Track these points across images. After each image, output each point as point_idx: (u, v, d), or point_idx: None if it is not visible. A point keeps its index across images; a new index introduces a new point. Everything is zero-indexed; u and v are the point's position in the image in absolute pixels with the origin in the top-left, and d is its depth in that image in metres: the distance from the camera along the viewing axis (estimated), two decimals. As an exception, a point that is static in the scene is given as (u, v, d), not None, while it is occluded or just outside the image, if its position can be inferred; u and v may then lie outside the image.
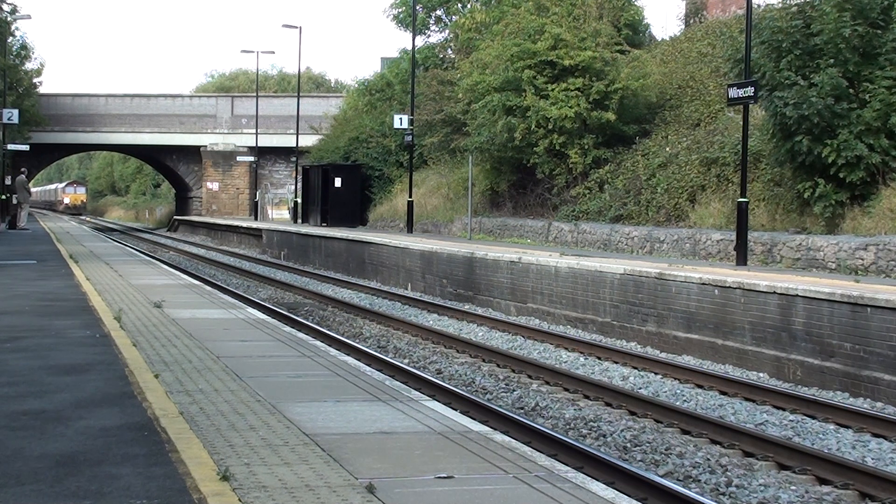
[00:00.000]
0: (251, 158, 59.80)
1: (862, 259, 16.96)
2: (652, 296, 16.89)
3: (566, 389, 13.04)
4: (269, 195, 61.55)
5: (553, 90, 27.58)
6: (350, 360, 10.14)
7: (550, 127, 27.34)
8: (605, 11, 31.36)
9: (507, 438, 6.95)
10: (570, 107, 27.14)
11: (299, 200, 47.72)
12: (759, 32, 19.67)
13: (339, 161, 43.29)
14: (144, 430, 6.71)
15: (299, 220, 46.45)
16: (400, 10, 44.75)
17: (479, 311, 21.24)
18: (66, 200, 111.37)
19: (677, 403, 12.11)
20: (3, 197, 44.92)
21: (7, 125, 43.39)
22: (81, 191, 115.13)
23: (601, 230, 24.95)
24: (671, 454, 9.86)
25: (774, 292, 14.30)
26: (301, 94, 53.77)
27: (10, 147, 45.73)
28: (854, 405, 12.03)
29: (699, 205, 23.02)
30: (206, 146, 63.58)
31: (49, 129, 60.45)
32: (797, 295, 13.90)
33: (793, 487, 8.90)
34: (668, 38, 35.19)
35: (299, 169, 48.63)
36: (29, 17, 50.82)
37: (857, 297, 12.91)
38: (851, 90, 18.68)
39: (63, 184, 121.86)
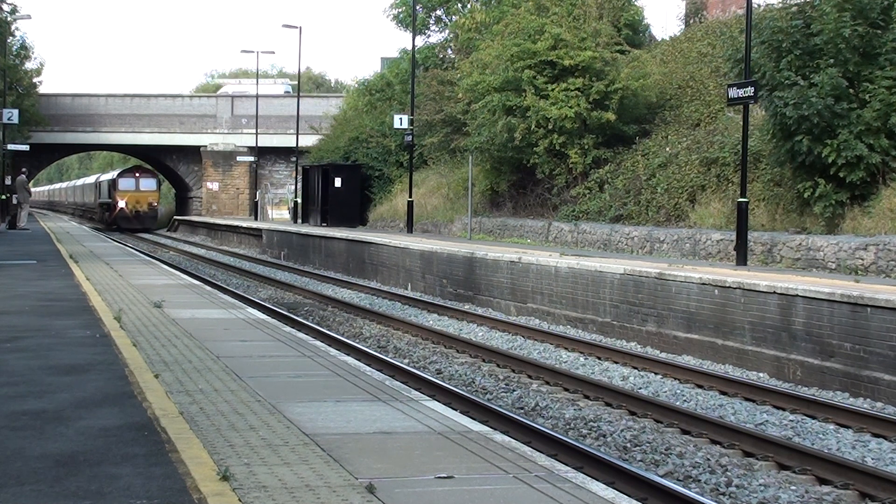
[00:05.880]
0: (251, 158, 59.81)
1: (862, 259, 16.96)
2: (652, 296, 16.89)
3: (566, 389, 13.04)
4: (269, 195, 61.56)
5: (553, 90, 27.58)
6: (350, 360, 10.14)
7: (550, 127, 27.34)
8: (605, 11, 31.36)
9: (507, 438, 6.95)
10: (570, 107, 27.14)
11: (299, 200, 47.74)
12: (759, 32, 19.67)
13: (339, 161, 43.30)
14: (144, 430, 6.71)
15: (299, 220, 46.45)
16: (400, 10, 44.76)
17: (479, 311, 21.24)
18: (122, 203, 62.54)
19: (677, 403, 12.11)
20: (3, 197, 44.94)
21: (7, 125, 43.41)
22: (150, 185, 64.28)
23: (601, 230, 24.95)
24: (671, 454, 9.86)
25: (774, 292, 14.30)
26: (301, 94, 53.77)
27: (10, 147, 45.76)
28: (854, 405, 12.03)
29: (699, 205, 23.02)
30: (206, 146, 63.58)
31: (49, 129, 60.46)
32: (797, 295, 13.90)
33: (793, 487, 8.90)
34: (668, 38, 35.18)
35: (299, 169, 48.65)
36: (29, 17, 50.89)
37: (857, 297, 12.91)
38: (851, 90, 18.68)
39: (114, 172, 69.12)
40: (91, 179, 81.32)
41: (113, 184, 64.08)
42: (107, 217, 65.49)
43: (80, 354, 9.82)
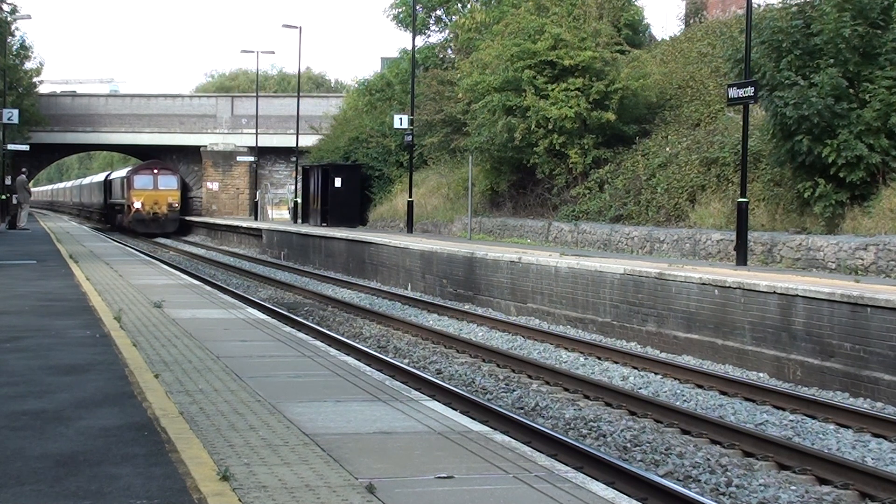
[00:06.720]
0: (251, 158, 59.77)
1: (862, 259, 16.96)
2: (652, 296, 16.89)
3: (566, 389, 13.04)
4: (269, 195, 61.52)
5: (553, 90, 27.58)
6: (350, 360, 10.14)
7: (550, 127, 27.34)
8: (605, 11, 31.36)
9: (507, 438, 6.95)
10: (570, 107, 27.14)
11: (299, 200, 47.74)
12: (759, 32, 19.67)
13: (339, 161, 43.31)
14: (144, 430, 6.71)
15: (299, 220, 46.45)
16: (400, 10, 44.76)
17: (479, 311, 21.23)
18: (137, 204, 56.88)
19: (677, 403, 12.11)
20: (3, 197, 44.94)
21: (7, 125, 43.41)
22: (170, 183, 58.28)
23: (601, 230, 24.95)
24: (671, 454, 9.86)
25: (774, 292, 14.30)
26: (301, 94, 53.77)
27: (10, 147, 45.75)
28: (854, 405, 12.03)
29: (699, 205, 23.02)
30: (206, 146, 63.53)
31: (49, 129, 60.41)
32: (797, 295, 13.90)
33: (793, 487, 8.90)
34: (668, 38, 35.19)
35: (299, 169, 48.66)
36: (29, 17, 50.91)
37: (857, 297, 12.90)
38: (851, 90, 18.68)
39: (127, 169, 63.77)
40: (99, 178, 74.30)
41: (127, 182, 57.61)
42: (120, 219, 59.63)
43: (80, 354, 9.81)
